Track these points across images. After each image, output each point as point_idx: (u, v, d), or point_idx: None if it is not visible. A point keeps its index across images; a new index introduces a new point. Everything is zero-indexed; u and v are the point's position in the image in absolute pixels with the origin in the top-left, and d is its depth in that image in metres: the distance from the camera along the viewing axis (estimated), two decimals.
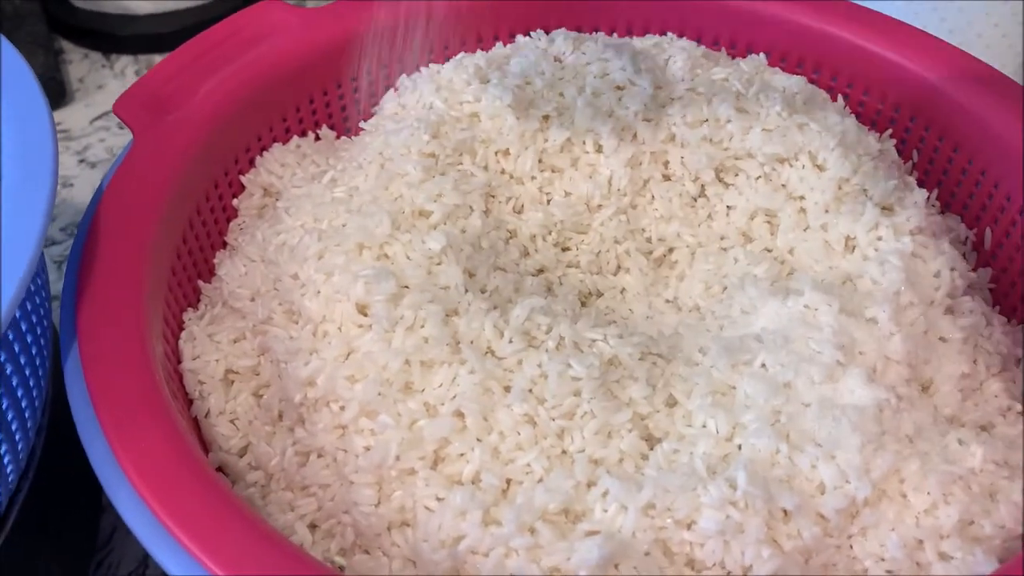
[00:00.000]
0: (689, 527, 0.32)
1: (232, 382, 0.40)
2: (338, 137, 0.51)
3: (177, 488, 0.31)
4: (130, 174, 0.41)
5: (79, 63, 0.76)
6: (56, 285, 0.57)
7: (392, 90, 0.48)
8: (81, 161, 0.68)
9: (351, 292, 0.38)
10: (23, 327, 0.35)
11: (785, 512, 0.33)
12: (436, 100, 0.45)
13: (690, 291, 0.43)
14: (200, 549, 0.30)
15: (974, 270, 0.46)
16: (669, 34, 0.51)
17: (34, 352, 0.36)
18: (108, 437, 0.32)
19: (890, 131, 0.50)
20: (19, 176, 0.33)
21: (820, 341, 0.37)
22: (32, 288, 0.36)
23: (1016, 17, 0.58)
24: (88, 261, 0.37)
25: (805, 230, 0.43)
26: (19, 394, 0.34)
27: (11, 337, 0.33)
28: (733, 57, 0.51)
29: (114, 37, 0.76)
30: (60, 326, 0.36)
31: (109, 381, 0.33)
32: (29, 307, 0.35)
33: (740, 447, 0.34)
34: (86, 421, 0.32)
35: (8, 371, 0.33)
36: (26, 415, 0.35)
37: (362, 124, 0.48)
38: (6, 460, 0.35)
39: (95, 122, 0.71)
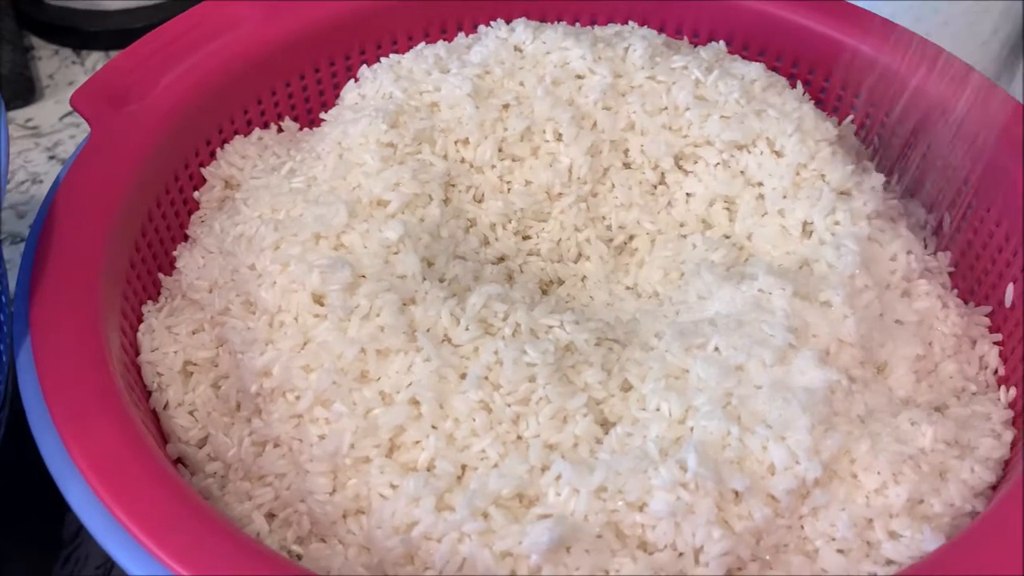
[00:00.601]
0: (641, 509, 0.33)
1: (191, 374, 0.40)
2: (300, 129, 0.51)
3: (131, 482, 0.31)
4: (87, 166, 0.41)
5: (49, 59, 0.75)
6: None
7: (353, 80, 0.48)
8: (51, 158, 0.67)
9: (307, 282, 0.38)
10: None
11: (736, 493, 0.33)
12: (395, 90, 0.45)
13: (649, 278, 0.43)
14: (155, 544, 0.30)
15: (934, 254, 0.46)
16: (631, 23, 0.51)
17: None
18: (60, 431, 0.32)
19: (851, 117, 0.50)
20: None
21: (773, 324, 0.37)
22: None
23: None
24: (43, 253, 0.37)
25: (763, 216, 0.43)
26: None
27: None
28: (696, 46, 0.52)
29: (84, 33, 0.75)
30: (14, 320, 0.36)
31: (61, 374, 0.33)
32: None
33: (692, 430, 0.35)
34: (37, 415, 0.32)
35: None
36: None
37: (322, 115, 0.48)
38: None
39: (65, 119, 0.70)
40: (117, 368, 0.35)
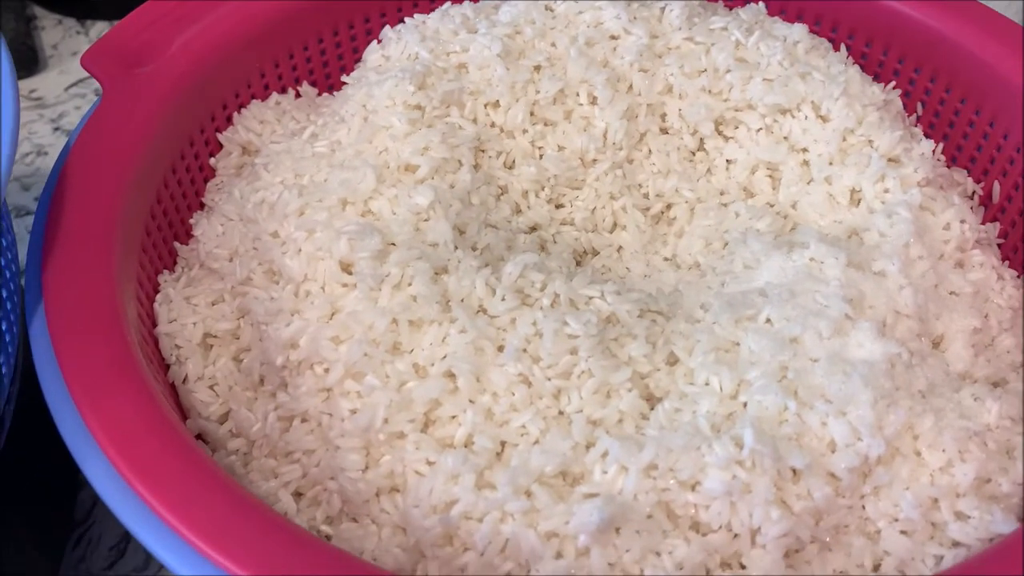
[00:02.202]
0: (693, 488, 0.31)
1: (211, 346, 0.38)
2: (320, 94, 0.49)
3: (152, 456, 0.29)
4: (99, 131, 0.39)
5: (52, 29, 0.73)
6: None
7: (375, 42, 0.46)
8: (56, 129, 0.65)
9: (334, 249, 0.36)
10: None
11: (794, 471, 0.31)
12: (422, 50, 0.43)
13: (689, 248, 0.41)
14: (178, 519, 0.28)
15: (982, 224, 0.44)
16: None
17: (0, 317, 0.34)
18: (78, 404, 0.30)
19: (893, 83, 0.48)
20: None
21: (827, 295, 0.35)
22: None
23: None
24: (54, 222, 0.35)
25: (808, 183, 0.42)
26: None
27: None
28: (731, 8, 0.49)
29: (88, 2, 0.73)
30: (26, 290, 0.34)
31: (78, 345, 0.31)
32: None
33: (745, 405, 0.33)
34: (54, 388, 0.30)
35: None
36: None
37: (344, 78, 0.46)
38: None
39: (70, 89, 0.68)
40: (135, 339, 0.33)
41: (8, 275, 0.36)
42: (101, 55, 0.41)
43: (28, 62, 0.69)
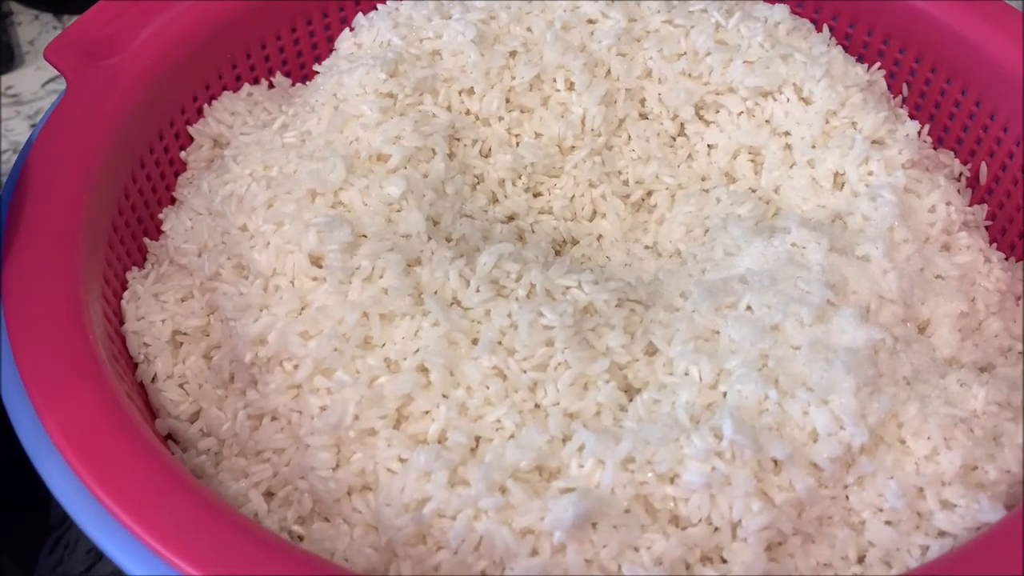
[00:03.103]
0: (672, 481, 0.30)
1: (180, 344, 0.37)
2: (293, 84, 0.48)
3: (110, 456, 0.28)
4: (63, 124, 0.38)
5: (29, 24, 0.72)
6: None
7: (348, 29, 0.45)
8: (33, 126, 0.64)
9: (303, 242, 0.35)
10: None
11: (775, 462, 0.30)
12: (394, 37, 0.42)
13: (670, 235, 0.40)
14: (138, 523, 0.27)
15: (969, 207, 0.43)
16: None
17: None
18: (35, 404, 0.29)
19: (878, 64, 0.47)
20: None
21: (809, 280, 0.34)
22: None
23: None
24: (14, 218, 0.34)
25: (791, 167, 0.41)
26: None
27: None
28: None
29: None
30: None
31: (35, 343, 0.30)
32: None
33: (725, 395, 0.32)
34: (10, 387, 0.30)
35: None
36: None
37: (316, 67, 0.45)
38: None
39: (47, 85, 0.67)
40: (99, 337, 0.32)
41: None
42: (65, 47, 0.40)
43: (4, 58, 0.67)
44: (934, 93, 0.46)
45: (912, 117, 0.45)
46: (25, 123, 0.64)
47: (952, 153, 0.46)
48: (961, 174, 0.45)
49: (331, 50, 0.48)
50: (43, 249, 0.33)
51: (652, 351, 0.34)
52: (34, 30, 0.72)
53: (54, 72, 0.67)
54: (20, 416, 0.29)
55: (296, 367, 0.33)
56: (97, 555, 0.42)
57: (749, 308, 0.34)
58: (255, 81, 0.47)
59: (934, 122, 0.47)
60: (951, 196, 0.40)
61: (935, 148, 0.46)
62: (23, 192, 0.35)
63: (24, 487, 0.41)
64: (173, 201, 0.43)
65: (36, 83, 0.67)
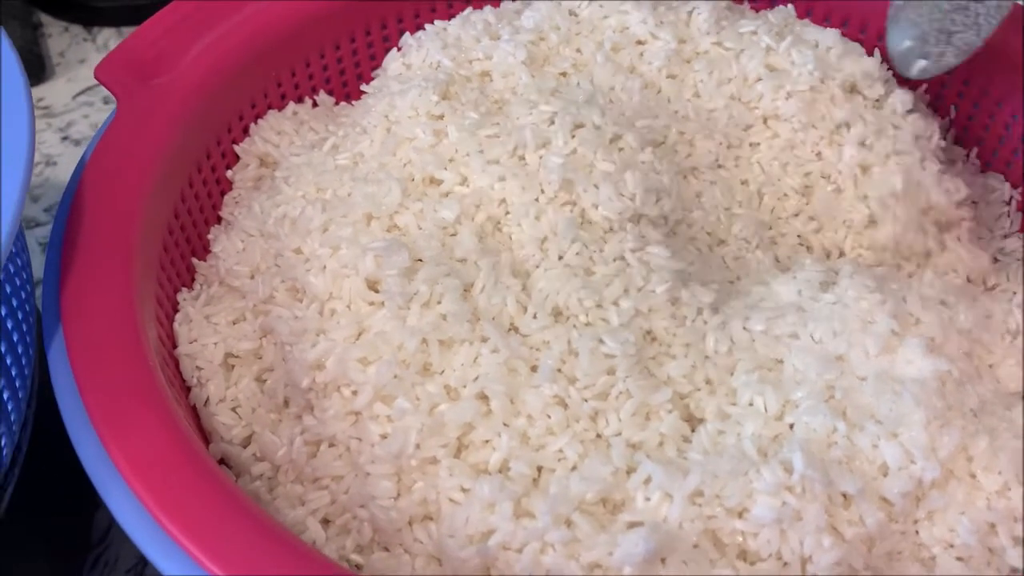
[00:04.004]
0: (741, 515, 0.30)
1: (232, 367, 0.37)
2: (337, 103, 0.48)
3: (175, 484, 0.28)
4: (115, 145, 0.38)
5: (59, 36, 0.72)
6: (41, 269, 0.54)
7: (395, 49, 0.45)
8: (64, 138, 0.64)
9: (360, 266, 0.34)
10: (2, 311, 0.32)
11: (845, 496, 0.30)
12: (443, 58, 0.42)
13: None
14: (201, 550, 0.27)
15: (1021, 231, 0.43)
16: None
17: (16, 339, 0.33)
18: (98, 430, 0.29)
19: (925, 85, 0.47)
20: None
21: (873, 310, 0.34)
22: (11, 269, 0.33)
23: None
24: (71, 240, 0.34)
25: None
26: (1, 386, 0.31)
27: None
28: (757, 10, 0.48)
29: (95, 9, 0.72)
30: (43, 311, 0.33)
31: (98, 369, 0.30)
32: (9, 290, 0.32)
33: (792, 426, 0.32)
34: (74, 414, 0.29)
35: None
36: (9, 408, 0.32)
37: (364, 87, 0.45)
38: None
39: (78, 97, 0.67)
40: (156, 363, 0.32)
41: (24, 295, 0.35)
42: (114, 66, 0.40)
43: (35, 70, 0.67)
44: (983, 116, 0.46)
45: (959, 138, 0.45)
46: (56, 136, 0.64)
47: (1001, 176, 0.45)
48: (1012, 198, 0.44)
49: (374, 68, 0.48)
50: (101, 274, 0.33)
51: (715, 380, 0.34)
52: (64, 42, 0.72)
53: (85, 84, 0.68)
54: (84, 444, 0.29)
55: (355, 393, 0.33)
56: (137, 574, 0.42)
57: (812, 338, 0.34)
58: (299, 100, 0.47)
59: (983, 145, 0.46)
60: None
61: (983, 171, 0.46)
62: (78, 216, 0.35)
63: (67, 502, 0.41)
64: (219, 220, 0.43)
65: (67, 95, 0.67)
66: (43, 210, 0.59)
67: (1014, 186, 0.45)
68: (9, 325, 0.32)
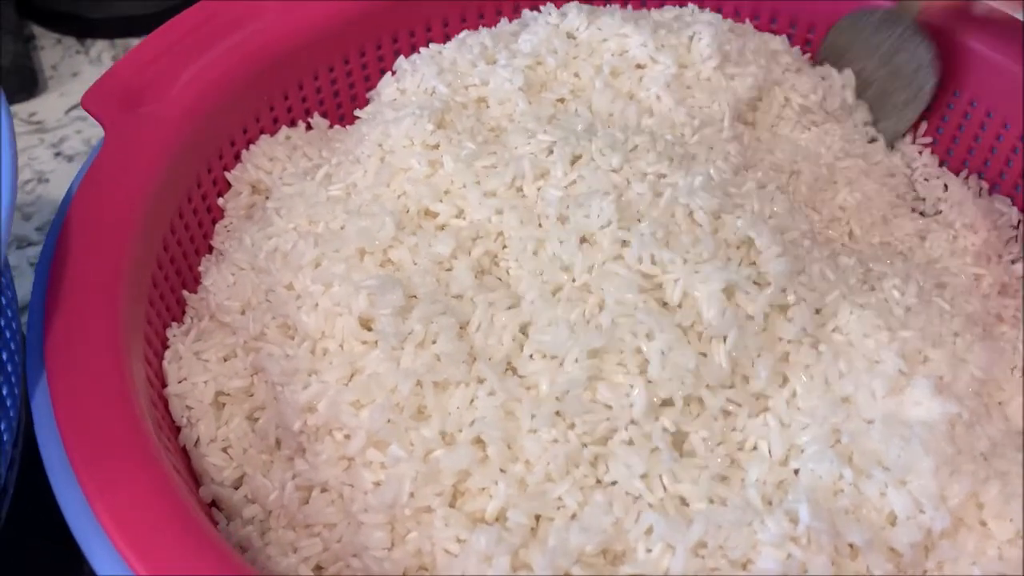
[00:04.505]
0: (745, 567, 0.29)
1: (223, 405, 0.36)
2: (331, 126, 0.47)
3: (162, 546, 0.27)
4: (102, 176, 0.37)
5: (52, 49, 0.71)
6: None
7: (390, 73, 0.44)
8: (57, 154, 0.63)
9: (353, 305, 0.34)
10: None
11: (852, 547, 0.29)
12: (439, 84, 0.41)
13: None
14: None
15: None
16: (691, 5, 0.46)
17: None
18: (83, 485, 0.28)
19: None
20: None
21: (880, 348, 0.33)
22: None
23: None
24: (56, 279, 0.33)
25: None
26: None
27: None
28: (759, 29, 0.47)
29: (88, 20, 0.71)
30: (28, 359, 0.32)
31: (83, 419, 0.29)
32: None
33: (797, 472, 0.31)
34: (58, 467, 0.28)
35: None
36: None
37: (357, 112, 0.44)
38: None
39: (70, 112, 0.66)
40: (145, 408, 0.31)
41: (8, 335, 0.34)
42: (101, 95, 0.39)
43: (28, 84, 0.67)
44: (990, 138, 0.45)
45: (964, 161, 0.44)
46: (49, 151, 0.63)
47: (1009, 200, 0.44)
48: (1020, 223, 0.43)
49: (369, 89, 0.47)
50: (87, 316, 0.32)
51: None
52: (57, 54, 0.71)
53: (79, 98, 0.66)
54: (68, 500, 0.28)
55: (347, 437, 0.32)
56: None
57: (814, 377, 0.33)
58: (292, 123, 0.46)
59: (988, 166, 0.45)
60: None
61: (990, 193, 0.45)
62: (64, 253, 0.34)
63: (56, 548, 0.40)
64: (211, 249, 0.42)
65: (60, 110, 0.66)
66: (35, 229, 0.59)
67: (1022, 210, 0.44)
68: None
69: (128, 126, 0.38)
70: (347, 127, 0.45)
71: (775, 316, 0.33)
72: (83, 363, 0.31)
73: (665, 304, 0.34)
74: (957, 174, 0.46)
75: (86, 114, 0.65)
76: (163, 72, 0.40)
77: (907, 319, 0.34)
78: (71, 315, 0.32)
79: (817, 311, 0.34)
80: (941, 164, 0.47)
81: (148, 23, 0.71)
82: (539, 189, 0.36)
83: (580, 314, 0.33)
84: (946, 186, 0.45)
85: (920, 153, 0.47)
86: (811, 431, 0.31)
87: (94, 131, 0.64)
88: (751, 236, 0.34)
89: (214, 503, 0.35)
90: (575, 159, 0.37)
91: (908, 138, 0.46)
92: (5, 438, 0.33)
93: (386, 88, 0.43)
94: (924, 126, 0.47)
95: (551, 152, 0.37)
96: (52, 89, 0.68)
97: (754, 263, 0.34)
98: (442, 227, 0.36)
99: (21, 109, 0.66)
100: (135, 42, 0.71)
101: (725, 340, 0.32)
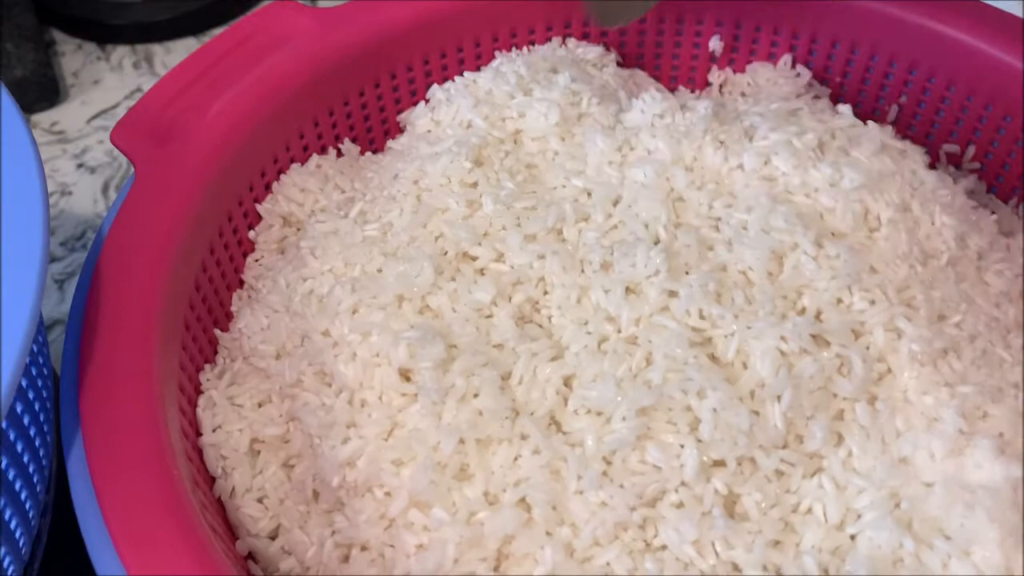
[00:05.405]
0: None
1: (258, 452, 0.35)
2: (362, 152, 0.46)
3: None
4: (133, 218, 0.36)
5: (72, 55, 0.70)
6: (57, 308, 0.53)
7: (423, 103, 0.43)
8: (80, 166, 0.62)
9: (392, 356, 0.33)
10: (18, 408, 0.30)
11: None
12: (475, 117, 0.40)
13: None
14: None
15: None
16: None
17: (29, 424, 0.31)
18: (119, 552, 0.27)
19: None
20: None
21: (938, 405, 0.32)
22: (29, 362, 0.31)
23: None
24: (90, 328, 0.32)
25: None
26: (11, 476, 0.30)
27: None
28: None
29: (108, 26, 0.70)
30: (61, 414, 0.31)
31: (121, 489, 0.28)
32: (25, 382, 0.31)
33: (853, 538, 0.30)
34: (96, 538, 0.28)
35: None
36: (24, 496, 0.30)
37: (391, 143, 0.42)
38: (1, 552, 0.30)
39: (93, 121, 0.65)
40: (181, 464, 0.30)
41: (40, 382, 0.33)
42: (130, 130, 0.38)
43: (49, 92, 0.66)
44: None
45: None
46: (71, 163, 0.63)
47: None
48: None
49: (399, 111, 0.46)
50: (122, 370, 0.31)
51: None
52: (78, 61, 0.70)
53: (99, 107, 0.66)
54: (108, 570, 0.27)
55: (388, 495, 0.31)
56: None
57: (870, 437, 0.32)
58: (323, 150, 0.45)
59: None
60: None
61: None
62: (96, 301, 0.33)
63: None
64: (242, 284, 0.41)
65: (81, 119, 0.65)
66: (59, 244, 0.58)
67: None
68: (19, 409, 0.31)
69: (159, 162, 0.37)
70: (378, 154, 0.44)
71: (831, 372, 0.32)
72: (118, 422, 0.30)
73: (715, 358, 0.32)
74: (1006, 202, 0.45)
75: (108, 123, 0.65)
76: (193, 104, 0.39)
77: (966, 372, 0.33)
78: (105, 368, 0.31)
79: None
80: (989, 191, 0.46)
81: (167, 28, 0.70)
82: (580, 232, 0.35)
83: (627, 369, 0.32)
84: (993, 212, 0.44)
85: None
86: (868, 495, 0.30)
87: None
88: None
89: (251, 555, 0.34)
90: (616, 201, 0.35)
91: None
92: (39, 488, 0.33)
93: (419, 120, 0.42)
94: (971, 150, 0.45)
95: (590, 195, 0.36)
96: (74, 97, 0.67)
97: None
98: (481, 271, 0.35)
99: (43, 119, 0.65)
100: (156, 48, 0.70)
101: (779, 400, 0.31)
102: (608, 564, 0.29)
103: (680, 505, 0.30)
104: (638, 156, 0.38)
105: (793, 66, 0.48)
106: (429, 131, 0.41)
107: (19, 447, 0.30)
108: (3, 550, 0.30)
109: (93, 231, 0.58)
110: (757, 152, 0.37)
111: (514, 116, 0.40)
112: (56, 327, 0.52)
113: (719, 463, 0.31)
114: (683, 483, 0.30)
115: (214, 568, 0.27)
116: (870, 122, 0.40)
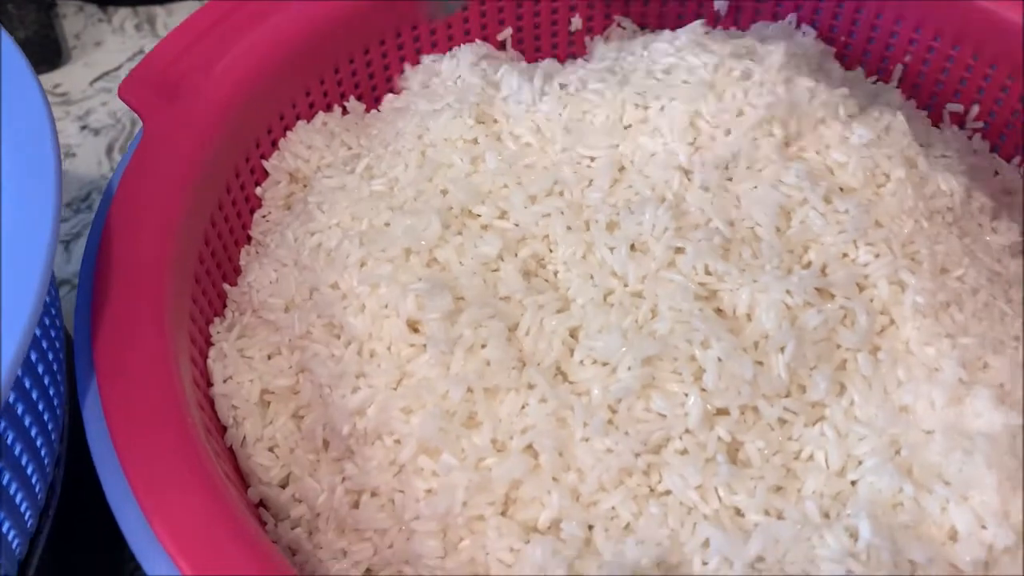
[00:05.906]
0: None
1: (268, 403, 0.36)
2: (367, 110, 0.46)
3: (213, 549, 0.27)
4: (143, 172, 0.36)
5: (74, 17, 0.70)
6: (63, 268, 0.53)
7: (426, 57, 0.43)
8: (83, 127, 0.62)
9: (401, 307, 0.33)
10: (32, 356, 0.31)
11: (911, 562, 0.29)
12: (472, 76, 0.40)
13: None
14: None
15: None
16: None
17: (43, 374, 0.31)
18: (139, 499, 0.28)
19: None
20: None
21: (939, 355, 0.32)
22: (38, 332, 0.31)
23: None
24: (102, 281, 0.32)
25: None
26: (27, 423, 0.30)
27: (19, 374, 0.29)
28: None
29: None
30: (76, 366, 0.31)
31: (136, 432, 0.29)
32: (39, 332, 0.31)
33: (854, 483, 0.30)
34: (114, 484, 0.28)
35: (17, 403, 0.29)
36: (39, 445, 0.31)
37: (391, 99, 0.43)
38: (19, 499, 0.31)
39: (95, 83, 0.65)
40: (194, 412, 0.31)
41: (53, 333, 0.33)
42: (138, 85, 0.38)
43: (51, 55, 0.66)
44: None
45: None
46: (75, 124, 0.63)
47: None
48: None
49: (403, 71, 0.46)
50: (135, 320, 0.31)
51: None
52: (79, 23, 0.70)
53: (102, 69, 0.66)
54: (125, 514, 0.28)
55: (398, 442, 0.32)
56: None
57: (872, 386, 0.32)
58: (328, 107, 0.45)
59: None
60: None
61: None
62: (108, 251, 0.33)
63: (101, 539, 0.40)
64: (249, 240, 0.41)
65: (84, 81, 0.65)
66: (65, 205, 0.58)
67: None
68: (33, 358, 0.31)
69: (167, 117, 0.38)
70: (381, 111, 0.44)
71: (835, 324, 0.33)
72: (133, 370, 0.30)
73: (720, 311, 0.33)
74: (1008, 160, 0.45)
75: (111, 85, 0.64)
76: (200, 60, 0.39)
77: (968, 324, 0.33)
78: (119, 319, 0.32)
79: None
80: (992, 150, 0.46)
81: None
82: (583, 191, 0.35)
83: (633, 321, 0.33)
84: (996, 172, 0.44)
85: (970, 138, 0.45)
86: (869, 442, 0.31)
87: (120, 103, 0.63)
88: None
89: (262, 503, 0.35)
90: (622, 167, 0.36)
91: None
92: (53, 436, 0.33)
93: (416, 76, 0.42)
94: (976, 109, 0.46)
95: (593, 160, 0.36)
96: (76, 60, 0.67)
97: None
98: (486, 227, 0.36)
99: (46, 80, 0.65)
100: (158, 9, 0.70)
101: (783, 351, 0.31)
102: (613, 508, 0.30)
103: (684, 452, 0.31)
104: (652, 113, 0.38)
105: (798, 26, 0.48)
106: (426, 87, 0.41)
107: (34, 395, 0.30)
108: (21, 495, 0.30)
109: (98, 192, 0.59)
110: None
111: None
112: (63, 287, 0.52)
113: (723, 411, 0.32)
114: (687, 431, 0.31)
115: (229, 511, 0.28)
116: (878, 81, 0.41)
